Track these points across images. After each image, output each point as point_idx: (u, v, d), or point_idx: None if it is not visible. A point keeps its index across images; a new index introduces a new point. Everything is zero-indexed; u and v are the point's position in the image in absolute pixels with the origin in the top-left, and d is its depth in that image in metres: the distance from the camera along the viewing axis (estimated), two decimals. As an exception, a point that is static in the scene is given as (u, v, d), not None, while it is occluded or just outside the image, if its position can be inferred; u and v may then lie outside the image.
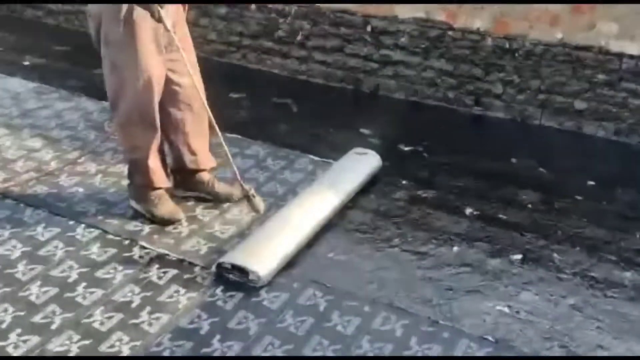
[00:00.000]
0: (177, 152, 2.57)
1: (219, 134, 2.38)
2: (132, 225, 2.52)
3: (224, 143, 2.38)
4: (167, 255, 2.35)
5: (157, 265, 2.30)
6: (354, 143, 3.14)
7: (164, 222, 2.51)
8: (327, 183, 2.70)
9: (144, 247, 2.39)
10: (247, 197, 2.43)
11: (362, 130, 3.42)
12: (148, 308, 2.10)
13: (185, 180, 2.65)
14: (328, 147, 3.24)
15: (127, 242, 2.42)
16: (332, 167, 2.89)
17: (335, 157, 3.06)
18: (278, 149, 3.17)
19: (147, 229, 2.50)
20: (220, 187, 2.68)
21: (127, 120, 2.36)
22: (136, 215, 2.56)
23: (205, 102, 2.37)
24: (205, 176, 2.65)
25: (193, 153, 2.57)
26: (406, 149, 3.23)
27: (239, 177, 2.44)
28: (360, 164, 2.87)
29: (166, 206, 2.53)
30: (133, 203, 2.57)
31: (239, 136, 3.28)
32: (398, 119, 3.57)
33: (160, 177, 2.51)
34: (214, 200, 2.65)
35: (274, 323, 2.07)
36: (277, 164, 3.02)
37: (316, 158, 3.08)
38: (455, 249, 2.47)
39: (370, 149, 3.00)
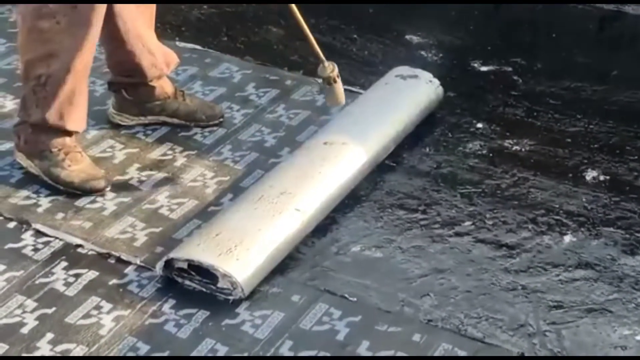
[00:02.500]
0: (130, 55, 2.63)
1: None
2: (21, 197, 2.51)
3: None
4: (80, 247, 2.36)
5: (63, 264, 2.31)
6: (396, 58, 3.12)
7: (75, 191, 2.52)
8: (350, 127, 2.69)
9: (40, 234, 2.40)
10: (327, 80, 2.55)
11: (409, 36, 3.40)
12: (50, 335, 2.11)
13: (137, 100, 2.75)
14: (350, 65, 3.22)
15: (11, 224, 2.43)
16: (359, 99, 2.88)
17: (364, 82, 3.05)
18: (264, 69, 3.14)
19: (45, 203, 2.50)
20: (195, 101, 2.83)
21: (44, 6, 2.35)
22: (28, 180, 2.56)
23: None
24: (168, 87, 2.78)
25: (150, 52, 2.66)
26: (484, 68, 3.22)
27: (316, 47, 2.52)
28: (405, 95, 2.86)
29: (79, 165, 2.54)
30: (21, 158, 2.58)
31: (197, 46, 3.29)
32: (470, 18, 3.53)
33: (80, 114, 2.53)
34: (186, 121, 2.79)
35: (260, 361, 2.09)
36: (263, 93, 3.01)
37: (331, 84, 3.09)
38: (567, 238, 2.47)
39: (423, 68, 2.99)
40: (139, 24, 2.62)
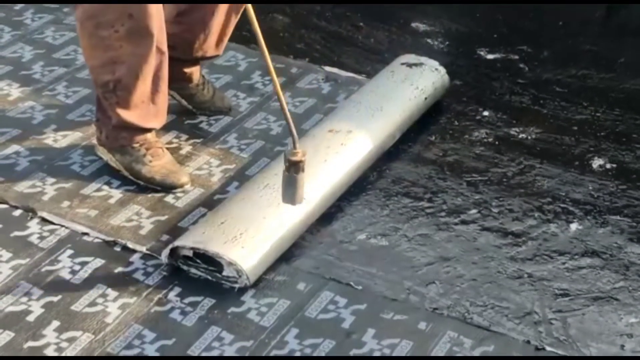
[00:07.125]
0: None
1: None
2: (25, 185, 2.51)
3: None
4: (86, 235, 2.36)
5: (69, 252, 2.31)
6: (402, 46, 3.12)
7: (156, 187, 2.51)
8: (356, 115, 2.69)
9: (46, 222, 2.40)
10: (294, 166, 2.26)
11: (415, 24, 3.39)
12: (56, 323, 2.12)
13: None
14: (356, 53, 3.21)
15: (17, 212, 2.43)
16: (364, 88, 2.87)
17: (370, 70, 3.04)
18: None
19: (51, 191, 2.50)
20: (210, 93, 2.79)
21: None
22: (34, 168, 2.55)
23: None
24: (196, 72, 2.73)
25: (209, 32, 2.60)
26: (490, 56, 3.21)
27: (291, 124, 2.20)
28: (411, 83, 2.85)
29: (161, 161, 2.52)
30: (102, 152, 2.56)
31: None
32: (476, 6, 3.52)
33: (161, 112, 2.50)
34: (194, 109, 2.77)
35: (266, 349, 2.08)
36: (268, 81, 3.01)
37: (336, 71, 3.07)
38: (573, 226, 2.47)
39: (429, 56, 2.98)
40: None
